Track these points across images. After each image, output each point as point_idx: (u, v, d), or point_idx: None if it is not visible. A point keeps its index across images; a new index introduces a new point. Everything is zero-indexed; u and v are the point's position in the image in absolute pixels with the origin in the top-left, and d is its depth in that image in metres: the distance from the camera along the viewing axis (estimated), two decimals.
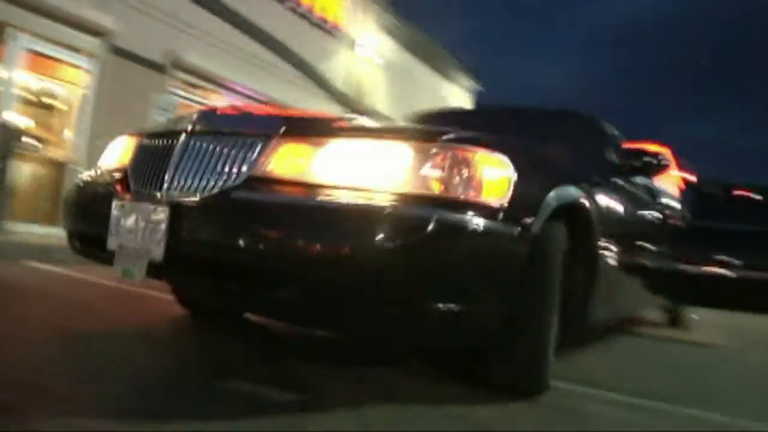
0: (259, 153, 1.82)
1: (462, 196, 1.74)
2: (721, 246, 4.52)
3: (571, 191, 2.30)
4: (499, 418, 1.90)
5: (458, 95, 18.62)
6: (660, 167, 3.21)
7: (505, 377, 2.12)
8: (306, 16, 11.13)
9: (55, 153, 7.67)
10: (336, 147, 1.79)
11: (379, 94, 14.14)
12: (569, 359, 2.88)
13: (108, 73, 7.53)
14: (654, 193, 3.99)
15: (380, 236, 1.61)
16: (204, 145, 1.92)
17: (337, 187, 1.72)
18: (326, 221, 1.65)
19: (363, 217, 1.64)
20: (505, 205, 1.85)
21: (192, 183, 1.87)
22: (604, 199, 2.70)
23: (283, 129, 1.85)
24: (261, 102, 10.05)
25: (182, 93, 8.63)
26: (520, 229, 1.90)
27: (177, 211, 1.81)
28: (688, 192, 4.94)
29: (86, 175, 2.50)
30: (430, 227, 1.64)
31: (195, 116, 2.04)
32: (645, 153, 3.25)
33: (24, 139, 5.99)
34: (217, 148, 1.88)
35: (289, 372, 2.20)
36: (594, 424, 2.01)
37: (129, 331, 2.65)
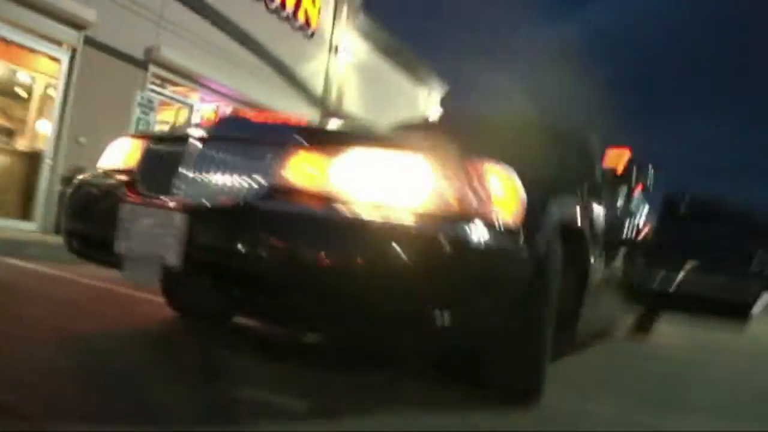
0: (279, 163, 1.83)
1: (477, 213, 1.78)
2: (682, 256, 4.72)
3: (571, 209, 2.38)
4: (499, 421, 1.96)
5: (428, 98, 18.80)
6: (645, 183, 3.33)
7: (506, 384, 2.18)
8: (284, 17, 11.11)
9: (27, 145, 7.48)
10: (354, 159, 1.81)
11: (353, 97, 14.18)
12: (555, 365, 2.96)
13: (86, 67, 7.39)
14: (630, 205, 4.12)
15: (398, 250, 1.64)
16: (220, 152, 1.92)
17: (355, 200, 1.74)
18: (346, 233, 1.68)
19: (383, 230, 1.67)
20: (517, 222, 1.90)
21: (208, 189, 1.87)
22: (594, 216, 2.80)
23: (301, 139, 1.87)
24: (239, 102, 9.99)
25: (161, 90, 8.52)
26: (528, 245, 1.96)
27: (195, 217, 1.81)
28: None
29: (85, 174, 2.47)
30: (446, 242, 1.69)
31: (209, 122, 2.04)
32: (630, 168, 3.37)
33: None
34: (234, 156, 1.89)
35: (289, 376, 2.21)
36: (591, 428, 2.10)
37: (120, 332, 2.63)
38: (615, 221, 3.55)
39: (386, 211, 1.69)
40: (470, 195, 1.78)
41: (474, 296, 1.82)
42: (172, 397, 1.76)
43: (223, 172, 1.88)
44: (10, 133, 7.59)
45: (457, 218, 1.73)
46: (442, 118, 3.98)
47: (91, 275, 3.87)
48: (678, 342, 5.70)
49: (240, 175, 1.85)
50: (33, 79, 7.74)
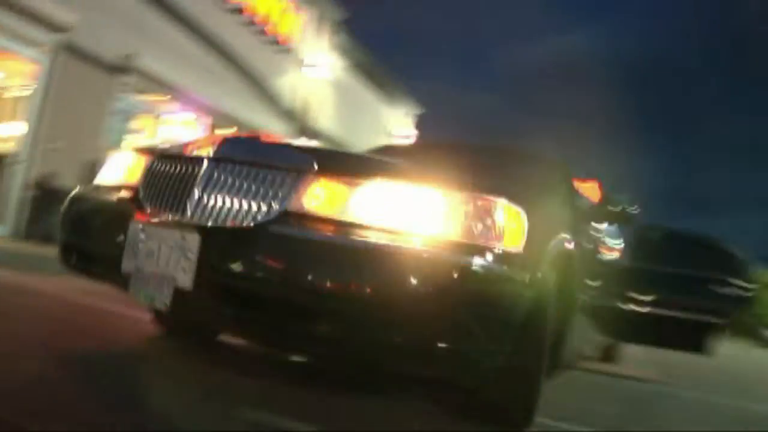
0: (294, 188, 1.84)
1: (485, 243, 1.84)
2: (652, 285, 4.86)
3: (565, 240, 2.46)
4: None
5: (399, 118, 18.98)
6: (628, 217, 3.44)
7: (500, 411, 2.23)
8: (261, 31, 11.11)
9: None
10: (368, 188, 1.84)
11: (325, 113, 14.22)
12: None
13: (64, 71, 7.23)
14: (604, 235, 4.25)
15: (413, 279, 1.68)
16: (233, 173, 1.92)
17: (369, 228, 1.78)
18: (362, 260, 1.71)
19: (396, 259, 1.70)
20: (520, 252, 1.97)
21: (221, 212, 1.87)
22: (580, 246, 2.88)
23: (316, 165, 1.89)
24: (213, 114, 9.92)
25: (136, 97, 8.40)
26: (529, 275, 2.02)
27: (210, 239, 1.81)
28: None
29: (83, 187, 2.44)
30: (458, 272, 1.73)
31: (219, 143, 2.03)
32: (612, 202, 3.48)
33: None
34: (248, 179, 1.89)
35: (287, 398, 2.22)
36: None
37: (114, 351, 2.58)
38: (595, 249, 3.66)
39: (401, 241, 1.73)
40: (483, 227, 1.84)
41: (484, 325, 1.87)
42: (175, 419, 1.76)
43: (237, 195, 1.88)
44: None
45: (472, 250, 1.78)
46: (425, 145, 4.03)
47: (62, 284, 3.78)
48: (645, 366, 5.86)
49: (254, 198, 1.86)
50: (8, 81, 7.54)
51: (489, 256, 1.83)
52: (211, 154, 2.00)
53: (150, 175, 2.14)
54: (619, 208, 3.44)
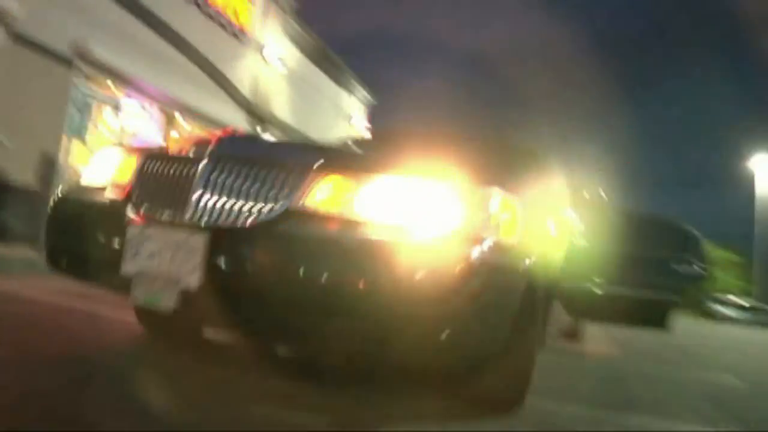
0: (297, 186, 1.85)
1: (487, 235, 1.89)
2: (613, 266, 5.05)
3: (551, 228, 2.54)
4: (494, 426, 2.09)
5: (355, 107, 18.95)
6: (600, 203, 3.56)
7: (496, 391, 2.30)
8: (215, 18, 10.88)
9: None
10: (370, 184, 1.87)
11: (281, 102, 14.07)
12: None
13: (7, 61, 6.92)
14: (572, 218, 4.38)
15: (415, 272, 1.72)
16: (233, 172, 1.91)
17: (373, 223, 1.80)
18: (367, 257, 1.73)
19: (401, 253, 1.74)
20: (516, 242, 2.04)
21: (224, 211, 1.86)
22: (559, 233, 2.99)
23: (319, 163, 1.90)
24: (168, 104, 9.68)
25: (89, 87, 8.12)
26: (524, 264, 2.09)
27: (216, 239, 1.80)
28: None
29: (68, 187, 2.37)
30: (462, 264, 1.78)
31: (216, 141, 2.02)
32: (587, 188, 3.60)
33: None
34: (249, 177, 1.89)
35: (287, 394, 2.23)
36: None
37: (106, 353, 2.54)
38: (568, 234, 3.78)
39: (406, 235, 1.77)
40: (484, 220, 1.89)
41: (485, 314, 1.92)
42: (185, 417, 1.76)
43: (239, 194, 1.87)
44: None
45: (474, 242, 1.83)
46: (400, 135, 4.05)
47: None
48: (606, 343, 6.09)
49: (257, 197, 1.86)
50: None
51: (491, 248, 1.88)
52: (209, 153, 1.98)
53: (144, 174, 2.11)
54: (590, 195, 3.56)
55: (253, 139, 2.17)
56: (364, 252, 1.74)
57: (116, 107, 8.82)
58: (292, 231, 1.79)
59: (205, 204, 1.89)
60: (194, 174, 1.95)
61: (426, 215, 1.83)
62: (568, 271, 3.98)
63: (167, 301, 1.82)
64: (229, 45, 11.56)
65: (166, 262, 1.84)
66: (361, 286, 1.71)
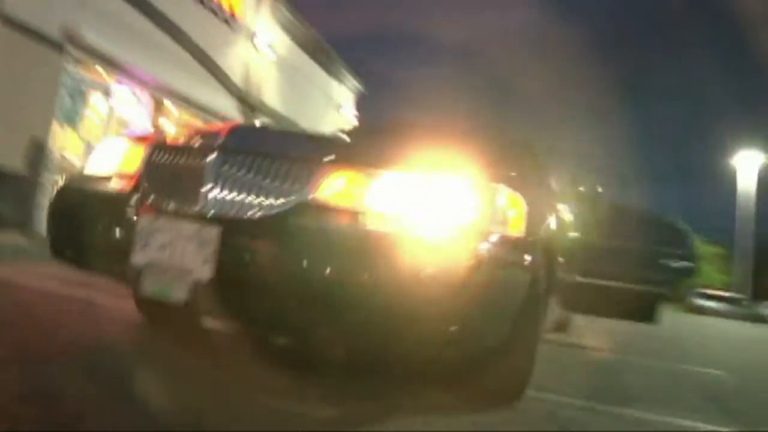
0: (310, 179, 1.86)
1: (497, 229, 1.92)
2: (605, 259, 5.12)
3: (550, 223, 2.57)
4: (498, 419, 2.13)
5: (344, 95, 18.89)
6: (595, 197, 3.60)
7: (498, 384, 2.34)
8: (206, 4, 10.76)
9: None
10: (384, 178, 1.88)
11: (271, 89, 13.98)
12: None
13: None
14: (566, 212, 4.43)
15: (429, 266, 1.74)
16: (245, 164, 1.91)
17: (386, 217, 1.82)
18: (381, 250, 1.75)
19: (415, 247, 1.76)
20: (522, 237, 2.06)
21: (237, 203, 1.87)
22: (557, 227, 3.02)
23: (331, 156, 1.91)
24: (160, 91, 9.59)
25: (80, 72, 8.01)
26: (529, 258, 2.12)
27: (229, 231, 1.81)
28: None
29: (72, 177, 2.36)
30: (475, 259, 1.81)
31: (228, 132, 2.02)
32: (580, 182, 3.63)
33: None
34: (262, 170, 1.90)
35: (293, 385, 2.25)
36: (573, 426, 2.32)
37: (115, 343, 2.54)
38: (564, 228, 3.82)
39: (421, 230, 1.78)
40: (494, 215, 1.92)
41: (493, 307, 1.96)
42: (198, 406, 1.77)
43: (252, 186, 1.88)
44: None
45: (486, 237, 1.85)
46: (397, 125, 4.04)
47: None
48: (595, 336, 6.17)
49: (270, 189, 1.87)
50: None
51: (500, 243, 1.91)
52: (219, 145, 1.98)
53: (152, 165, 2.10)
54: (586, 189, 3.59)
55: (263, 131, 2.17)
56: (378, 246, 1.76)
57: (107, 93, 8.72)
58: (306, 224, 1.80)
59: (216, 196, 1.89)
60: (204, 165, 1.95)
61: (438, 210, 1.84)
62: (562, 264, 4.03)
63: (178, 293, 1.82)
64: (220, 31, 11.45)
65: (177, 253, 1.84)
66: (375, 279, 1.72)
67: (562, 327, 6.10)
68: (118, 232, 2.00)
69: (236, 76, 12.23)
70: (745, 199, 31.91)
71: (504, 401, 2.36)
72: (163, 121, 9.99)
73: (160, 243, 1.88)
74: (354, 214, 1.83)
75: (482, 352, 2.16)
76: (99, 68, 8.39)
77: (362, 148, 2.11)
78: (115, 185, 2.17)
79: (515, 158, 3.20)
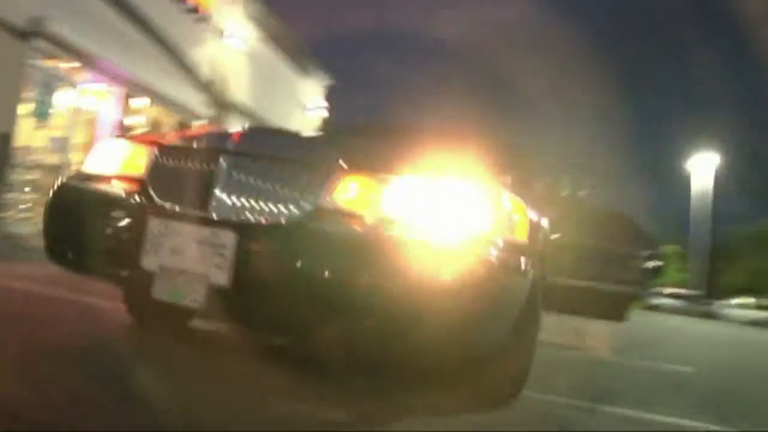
0: (324, 184, 1.87)
1: (505, 235, 1.96)
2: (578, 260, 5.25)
3: (546, 228, 2.64)
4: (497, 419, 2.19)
5: (313, 88, 18.81)
6: (580, 201, 3.68)
7: (497, 385, 2.39)
8: None
9: None
10: (398, 183, 1.89)
11: (241, 84, 13.81)
12: None
13: None
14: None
15: (444, 271, 1.77)
16: (257, 168, 1.91)
17: (401, 223, 1.83)
18: (398, 255, 1.77)
19: (431, 252, 1.78)
20: (526, 242, 2.12)
21: (250, 207, 1.86)
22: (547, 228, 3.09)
23: (345, 161, 1.91)
24: (128, 84, 9.38)
25: (45, 66, 7.78)
26: (530, 262, 2.17)
27: (246, 236, 1.80)
28: None
29: (71, 177, 2.31)
30: (488, 264, 1.85)
31: (239, 136, 2.00)
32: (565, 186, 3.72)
33: None
34: (275, 173, 1.89)
35: (294, 385, 2.25)
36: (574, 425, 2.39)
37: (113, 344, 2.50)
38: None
39: (438, 235, 1.81)
40: (503, 221, 1.96)
41: (500, 311, 2.00)
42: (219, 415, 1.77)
43: (266, 191, 1.87)
44: None
45: (496, 242, 1.89)
46: (390, 128, 4.03)
47: None
48: (566, 334, 6.30)
49: (284, 194, 1.86)
50: None
51: (509, 248, 1.96)
52: (231, 148, 1.97)
53: (160, 167, 2.07)
54: (567, 191, 3.68)
55: (274, 134, 2.16)
56: (398, 252, 1.76)
57: (74, 86, 8.50)
58: (323, 229, 1.81)
59: (230, 200, 1.88)
60: (216, 168, 1.94)
61: (453, 216, 1.87)
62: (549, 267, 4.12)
63: (194, 298, 1.80)
64: (189, 25, 11.27)
65: (192, 257, 1.83)
66: (398, 285, 1.73)
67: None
68: (125, 235, 1.97)
69: (206, 70, 12.06)
70: (699, 200, 32.99)
71: (502, 401, 2.41)
72: (133, 116, 9.79)
73: (173, 247, 1.86)
74: (372, 220, 1.84)
75: (486, 354, 2.20)
76: (67, 61, 8.17)
77: (376, 152, 2.12)
78: (119, 187, 2.13)
79: (514, 163, 3.27)
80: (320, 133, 2.98)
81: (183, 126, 11.13)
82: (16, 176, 7.36)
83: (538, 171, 3.80)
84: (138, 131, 9.64)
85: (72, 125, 8.39)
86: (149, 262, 1.89)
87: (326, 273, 1.75)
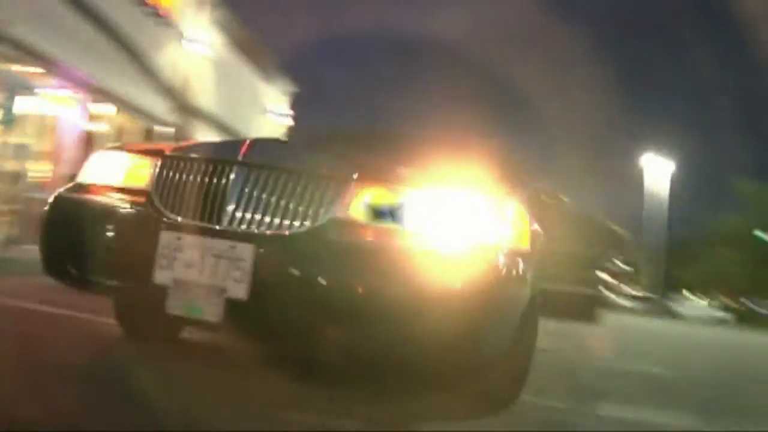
0: (339, 196, 1.87)
1: (513, 244, 2.01)
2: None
3: (542, 234, 2.70)
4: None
5: (276, 96, 18.72)
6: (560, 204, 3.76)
7: (499, 386, 2.42)
8: (142, 2, 10.38)
9: None
10: (409, 195, 1.91)
11: (204, 89, 13.63)
12: None
13: None
14: None
15: (458, 280, 1.81)
16: (270, 180, 1.90)
17: (414, 233, 1.85)
18: (413, 265, 1.79)
19: (445, 262, 1.81)
20: (529, 250, 2.18)
21: (265, 220, 1.86)
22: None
23: (358, 174, 1.92)
24: (90, 89, 9.15)
25: (5, 70, 7.53)
26: (531, 270, 2.22)
27: (264, 248, 1.79)
28: None
29: (68, 191, 2.24)
30: (497, 273, 1.89)
31: (248, 146, 1.98)
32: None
33: None
34: (288, 186, 1.89)
35: (292, 390, 2.22)
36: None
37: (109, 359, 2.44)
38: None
39: (448, 244, 1.84)
40: (510, 230, 2.01)
41: (505, 317, 2.04)
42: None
43: (281, 203, 1.87)
44: None
45: (504, 251, 1.93)
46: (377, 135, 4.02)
47: None
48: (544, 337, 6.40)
49: (300, 206, 1.86)
50: None
51: (515, 257, 2.01)
52: (242, 159, 1.95)
53: (165, 179, 2.03)
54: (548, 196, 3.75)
55: (285, 145, 2.15)
56: (415, 261, 1.79)
57: (37, 92, 8.25)
58: (342, 240, 1.81)
59: (245, 212, 1.87)
60: (228, 180, 1.92)
61: (463, 226, 1.90)
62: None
63: (212, 312, 1.78)
64: (154, 29, 11.08)
65: (208, 271, 1.81)
66: (417, 294, 1.76)
67: None
68: (135, 249, 1.93)
69: (169, 75, 11.86)
70: (651, 198, 33.89)
71: (503, 404, 2.44)
72: (96, 123, 9.55)
73: (187, 261, 1.84)
74: (387, 231, 1.85)
75: (493, 358, 2.23)
76: (31, 66, 7.93)
77: (388, 163, 2.12)
78: (123, 199, 2.08)
79: (513, 171, 3.32)
80: (331, 144, 2.97)
81: (149, 133, 10.94)
82: None
83: (526, 176, 3.86)
84: (103, 139, 9.42)
85: (34, 132, 8.14)
86: (162, 276, 1.85)
87: (346, 284, 1.76)
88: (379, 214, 1.88)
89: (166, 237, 1.88)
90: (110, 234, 2.02)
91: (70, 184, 2.29)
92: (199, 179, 1.97)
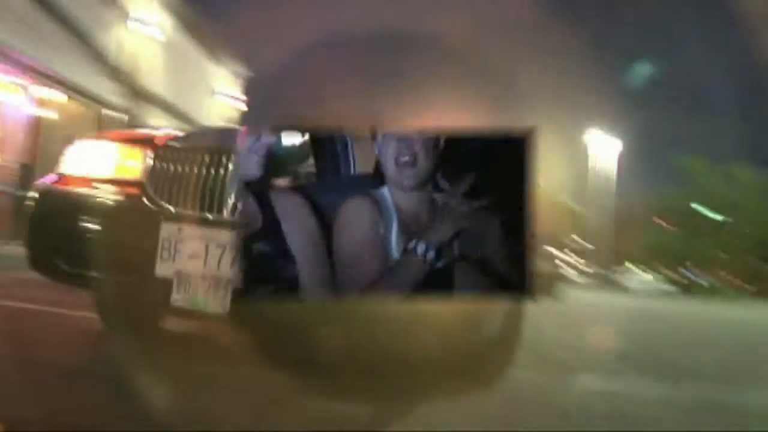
0: None
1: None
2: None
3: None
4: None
5: (225, 78, 18.38)
6: None
7: (491, 367, 2.48)
8: None
9: None
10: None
11: (153, 73, 13.24)
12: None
13: None
14: None
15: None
16: None
17: None
18: None
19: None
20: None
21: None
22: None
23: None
24: (34, 73, 8.74)
25: None
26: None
27: None
28: None
29: (50, 183, 2.15)
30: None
31: (245, 135, 1.95)
32: None
33: None
34: None
35: (290, 384, 2.22)
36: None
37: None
38: None
39: None
40: None
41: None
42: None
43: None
44: None
45: None
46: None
47: None
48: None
49: None
50: None
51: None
52: (239, 149, 1.91)
53: (160, 169, 1.97)
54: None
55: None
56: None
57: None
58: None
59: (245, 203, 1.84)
60: (226, 170, 1.88)
61: None
62: None
63: (218, 304, 1.76)
64: (98, 8, 10.65)
65: (212, 263, 1.78)
66: None
67: None
68: (134, 241, 1.88)
69: (116, 57, 11.46)
70: (596, 175, 34.01)
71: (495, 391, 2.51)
72: (43, 108, 9.15)
73: (190, 252, 1.80)
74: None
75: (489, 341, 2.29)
76: None
77: None
78: (115, 191, 2.01)
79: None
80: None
81: (99, 117, 10.56)
82: None
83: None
84: (52, 126, 9.04)
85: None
86: (164, 268, 1.81)
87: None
88: None
89: (167, 229, 1.84)
90: (106, 227, 1.95)
91: (53, 175, 2.19)
92: (197, 169, 1.93)
